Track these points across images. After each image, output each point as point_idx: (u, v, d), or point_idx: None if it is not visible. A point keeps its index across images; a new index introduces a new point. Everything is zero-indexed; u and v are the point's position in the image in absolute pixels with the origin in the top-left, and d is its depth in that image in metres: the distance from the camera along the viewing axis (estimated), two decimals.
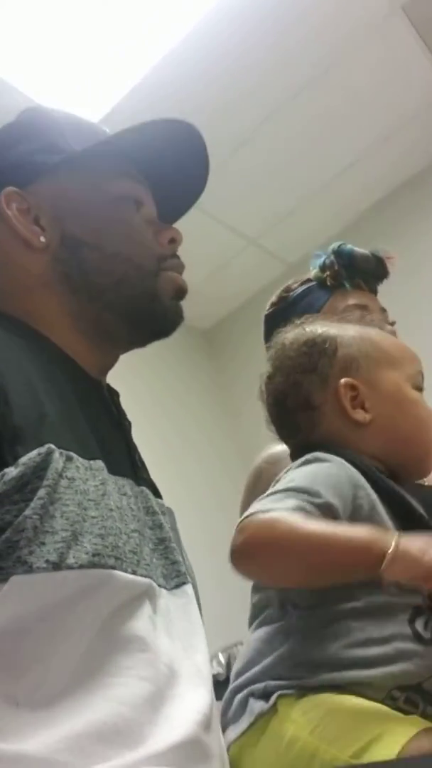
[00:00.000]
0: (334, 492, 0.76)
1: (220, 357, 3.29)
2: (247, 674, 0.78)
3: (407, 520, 0.81)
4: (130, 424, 0.84)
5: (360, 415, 0.88)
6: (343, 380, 0.89)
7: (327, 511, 0.74)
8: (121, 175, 0.85)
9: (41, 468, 0.60)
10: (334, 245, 1.30)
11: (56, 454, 0.61)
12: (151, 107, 2.16)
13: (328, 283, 1.28)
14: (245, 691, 0.77)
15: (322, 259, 1.30)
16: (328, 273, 1.28)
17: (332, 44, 2.31)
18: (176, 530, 0.82)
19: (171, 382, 3.00)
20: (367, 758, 0.66)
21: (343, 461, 0.83)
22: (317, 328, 0.95)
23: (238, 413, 2.97)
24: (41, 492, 0.59)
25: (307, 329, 0.96)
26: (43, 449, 0.61)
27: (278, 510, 0.72)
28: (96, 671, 0.58)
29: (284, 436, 0.97)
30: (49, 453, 0.61)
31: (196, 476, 2.81)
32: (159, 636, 0.65)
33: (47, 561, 0.56)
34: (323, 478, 0.78)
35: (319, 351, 0.92)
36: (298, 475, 0.80)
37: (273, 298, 1.37)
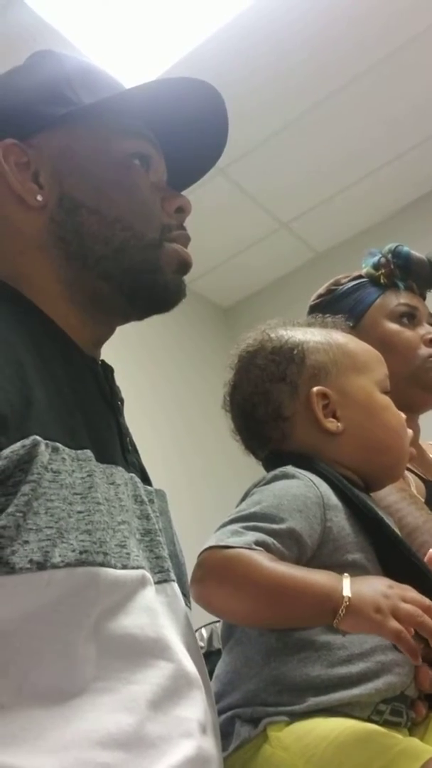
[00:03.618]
0: (300, 515, 0.74)
1: (237, 336, 3.24)
2: (229, 699, 0.76)
3: (377, 534, 0.80)
4: (122, 402, 0.80)
5: (332, 424, 0.86)
6: (315, 389, 0.86)
7: (290, 539, 0.72)
8: (131, 134, 0.78)
9: (25, 461, 0.57)
10: (391, 245, 1.30)
11: (42, 447, 0.58)
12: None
13: (382, 281, 1.29)
14: (230, 713, 0.75)
15: (377, 258, 1.31)
16: (382, 271, 1.28)
17: (392, 40, 2.30)
18: (166, 513, 0.79)
19: (183, 352, 2.97)
20: None
21: (312, 479, 0.80)
22: (283, 334, 0.91)
23: None
24: (25, 488, 0.56)
25: (272, 335, 0.91)
26: (27, 441, 0.57)
27: (238, 547, 0.69)
28: (85, 675, 0.56)
29: (253, 447, 0.93)
30: (34, 445, 0.57)
31: (203, 453, 2.80)
32: (162, 625, 0.63)
33: (31, 561, 0.54)
34: (289, 500, 0.75)
35: (287, 358, 0.88)
36: (265, 496, 0.77)
37: (321, 290, 1.37)
